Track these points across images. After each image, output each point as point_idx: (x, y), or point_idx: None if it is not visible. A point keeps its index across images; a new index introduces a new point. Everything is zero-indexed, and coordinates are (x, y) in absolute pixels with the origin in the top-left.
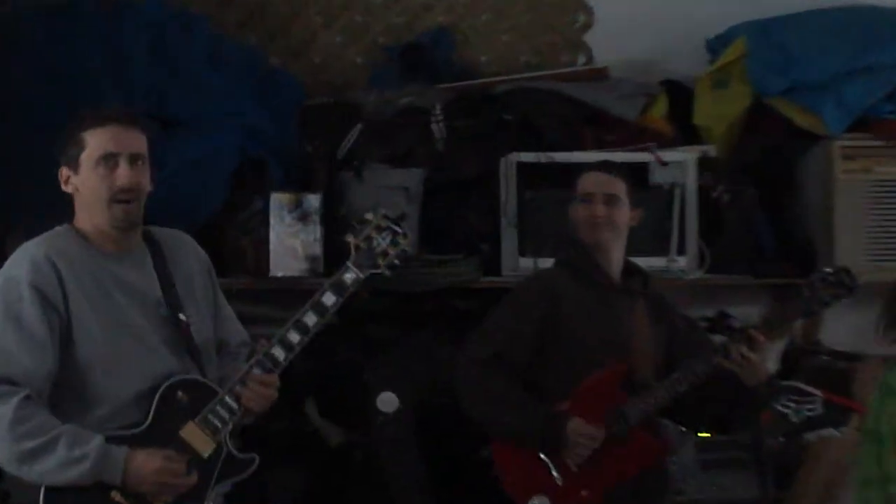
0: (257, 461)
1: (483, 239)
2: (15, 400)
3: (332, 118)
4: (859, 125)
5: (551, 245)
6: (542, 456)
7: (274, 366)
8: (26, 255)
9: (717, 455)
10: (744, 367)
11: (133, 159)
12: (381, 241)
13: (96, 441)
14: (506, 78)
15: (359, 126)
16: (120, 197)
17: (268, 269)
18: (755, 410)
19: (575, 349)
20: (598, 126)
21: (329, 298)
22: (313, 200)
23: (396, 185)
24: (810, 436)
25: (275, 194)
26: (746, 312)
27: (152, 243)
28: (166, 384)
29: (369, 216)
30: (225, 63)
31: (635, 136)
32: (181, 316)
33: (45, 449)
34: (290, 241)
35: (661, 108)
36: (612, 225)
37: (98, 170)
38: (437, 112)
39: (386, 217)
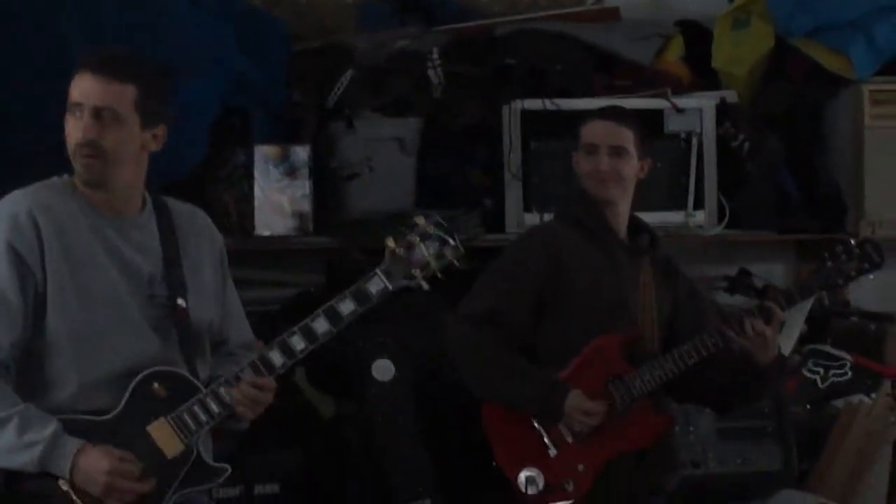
0: (228, 471)
1: (485, 193)
2: None
3: (320, 64)
4: (890, 67)
5: (559, 199)
6: (535, 424)
7: (268, 370)
8: (9, 207)
9: (738, 424)
10: (757, 342)
11: (96, 112)
12: (425, 250)
13: (50, 429)
14: (508, 19)
15: (349, 72)
16: (81, 151)
17: (253, 228)
18: (762, 390)
19: (576, 309)
20: (609, 71)
21: (347, 307)
22: (301, 153)
23: (391, 135)
24: (839, 402)
25: (259, 147)
26: (769, 270)
27: (164, 215)
28: (144, 373)
29: (419, 219)
30: (203, 3)
31: (649, 81)
32: (179, 301)
33: None
34: (276, 198)
35: (676, 50)
36: (619, 179)
37: (69, 119)
38: (435, 56)
39: (439, 224)
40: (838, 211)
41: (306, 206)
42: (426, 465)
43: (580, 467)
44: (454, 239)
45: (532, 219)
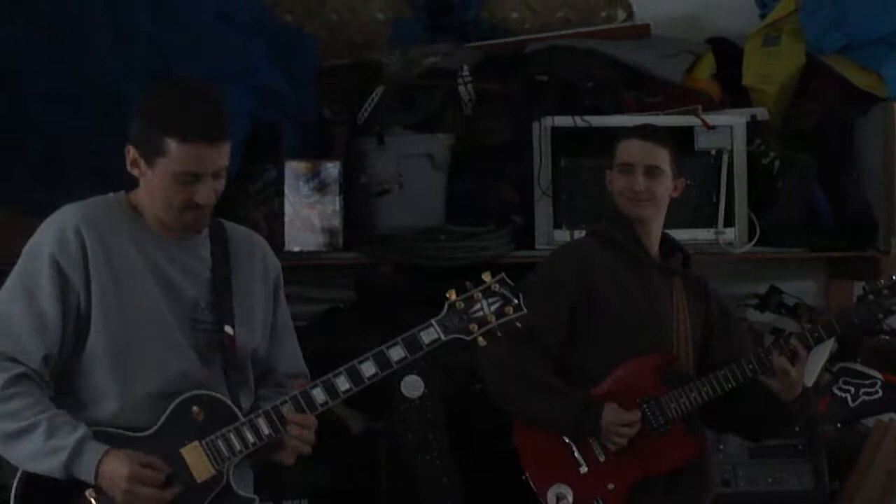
0: (257, 502)
1: (515, 210)
2: (3, 377)
3: (351, 80)
4: None
5: (589, 216)
6: (568, 442)
7: (310, 409)
8: (57, 222)
9: (768, 442)
10: (783, 381)
11: (216, 175)
12: (485, 307)
13: (76, 435)
14: (539, 36)
15: (380, 88)
16: (194, 207)
17: (283, 244)
18: (786, 424)
19: (610, 328)
20: (640, 88)
21: (397, 353)
22: (332, 169)
23: (421, 152)
24: (869, 421)
25: (290, 162)
26: (800, 288)
27: (220, 240)
28: (186, 395)
29: (486, 276)
30: (235, 19)
31: (680, 98)
32: (227, 328)
33: (22, 434)
34: (306, 213)
35: (707, 67)
36: (653, 199)
37: (176, 185)
38: (465, 73)
39: (504, 283)
40: (869, 228)
41: (336, 222)
42: (455, 482)
43: (611, 486)
44: (518, 298)
45: (562, 235)
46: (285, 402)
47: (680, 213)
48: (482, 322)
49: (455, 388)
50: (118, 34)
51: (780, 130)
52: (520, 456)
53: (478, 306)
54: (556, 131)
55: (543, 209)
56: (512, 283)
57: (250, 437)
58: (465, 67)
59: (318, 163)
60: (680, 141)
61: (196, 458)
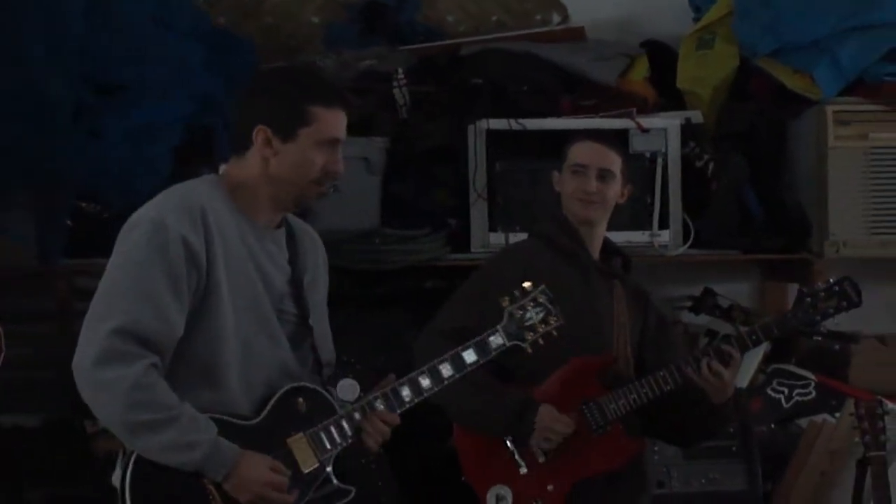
0: (353, 493)
1: (450, 213)
2: (140, 364)
3: None
4: (854, 88)
5: (524, 219)
6: (507, 443)
7: (398, 405)
8: (177, 198)
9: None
10: (713, 383)
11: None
12: (533, 316)
13: (211, 431)
14: (474, 39)
15: None
16: (325, 182)
17: None
18: (716, 428)
19: None
20: (574, 91)
21: (470, 356)
22: None
23: (356, 155)
24: (803, 422)
25: (224, 166)
26: (734, 289)
27: (290, 232)
28: (290, 385)
29: (528, 286)
30: (171, 22)
31: (614, 101)
32: (310, 321)
33: (158, 425)
34: None
35: (641, 70)
36: (603, 201)
37: (320, 151)
38: (400, 76)
39: (545, 293)
40: (802, 231)
41: None
42: (392, 485)
43: (550, 487)
44: (555, 308)
45: (497, 238)
46: (377, 397)
47: (615, 216)
48: (532, 329)
49: None
50: (51, 40)
51: (714, 133)
52: (459, 457)
53: (529, 315)
54: (491, 134)
55: (479, 212)
56: (551, 294)
57: (349, 430)
58: (400, 71)
59: None
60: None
61: (301, 449)
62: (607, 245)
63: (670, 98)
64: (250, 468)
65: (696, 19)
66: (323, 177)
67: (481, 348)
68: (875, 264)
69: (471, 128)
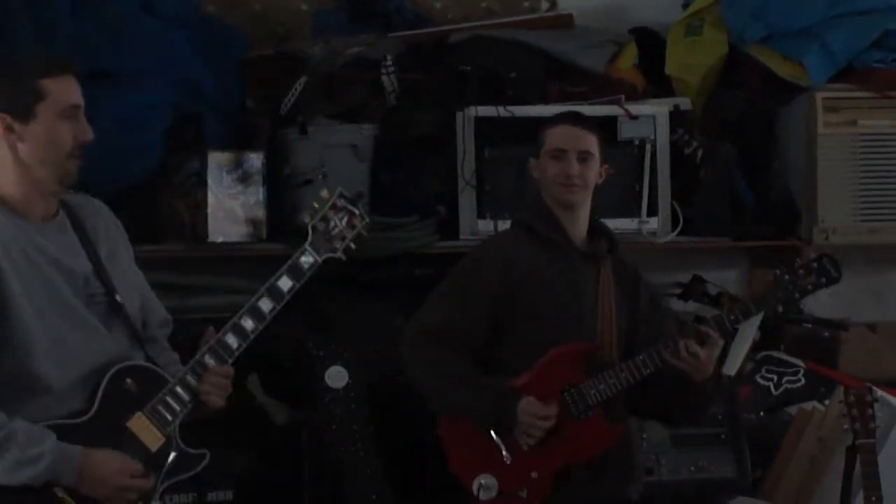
0: (208, 457)
1: (439, 200)
2: None
3: (274, 71)
4: (844, 75)
5: (513, 206)
6: (492, 434)
7: (228, 355)
8: None
9: (691, 431)
10: (691, 363)
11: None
12: (338, 223)
13: (50, 440)
14: (463, 26)
15: (303, 79)
16: (77, 153)
17: (206, 235)
18: (700, 407)
19: (532, 324)
20: (563, 78)
21: (285, 283)
22: (255, 160)
23: (345, 142)
24: (792, 409)
25: (213, 153)
26: (723, 277)
27: (69, 212)
28: (114, 369)
29: (325, 194)
30: (158, 10)
31: (603, 88)
32: (117, 297)
33: None
34: (229, 204)
35: (630, 57)
36: (585, 184)
37: (65, 121)
38: (389, 63)
39: (342, 196)
40: (791, 218)
41: (259, 213)
42: (379, 472)
43: (534, 474)
44: (358, 209)
45: (486, 226)
46: (204, 353)
47: (604, 203)
48: (341, 237)
49: (379, 378)
50: (38, 27)
51: (702, 120)
52: (444, 447)
53: (333, 223)
54: (480, 121)
55: (467, 200)
56: (349, 195)
57: (185, 396)
58: (389, 57)
59: (241, 153)
60: (603, 131)
61: (143, 428)
62: (594, 226)
63: (659, 85)
64: (98, 466)
65: (685, 6)
66: (76, 147)
67: (294, 272)
68: (864, 251)
69: (459, 115)
